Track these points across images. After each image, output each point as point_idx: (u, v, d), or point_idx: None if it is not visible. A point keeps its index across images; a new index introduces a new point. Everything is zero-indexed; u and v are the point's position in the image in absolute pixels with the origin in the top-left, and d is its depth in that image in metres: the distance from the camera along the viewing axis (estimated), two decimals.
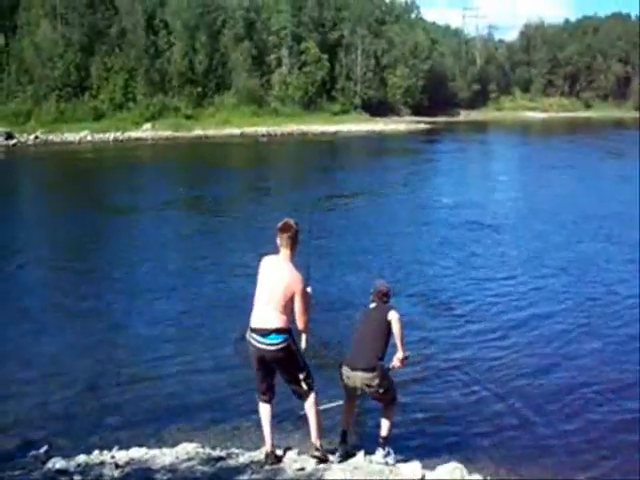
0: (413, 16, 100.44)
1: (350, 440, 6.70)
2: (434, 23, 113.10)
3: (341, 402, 6.80)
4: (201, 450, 6.71)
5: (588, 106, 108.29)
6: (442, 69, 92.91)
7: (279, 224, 6.14)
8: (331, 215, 21.57)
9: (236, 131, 59.54)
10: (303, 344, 6.30)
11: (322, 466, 6.23)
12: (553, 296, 13.00)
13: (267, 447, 6.34)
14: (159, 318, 11.70)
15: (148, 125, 57.44)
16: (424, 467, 6.38)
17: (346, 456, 6.50)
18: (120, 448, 6.86)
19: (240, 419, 7.78)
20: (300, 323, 6.10)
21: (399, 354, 6.51)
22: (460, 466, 6.38)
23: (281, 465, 6.25)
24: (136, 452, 6.73)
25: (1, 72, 57.17)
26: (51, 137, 50.92)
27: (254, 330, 6.02)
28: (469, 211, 22.34)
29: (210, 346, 10.25)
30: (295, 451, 6.55)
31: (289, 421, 7.43)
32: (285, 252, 6.12)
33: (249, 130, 60.12)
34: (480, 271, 14.88)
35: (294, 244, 6.12)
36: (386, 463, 6.51)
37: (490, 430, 7.75)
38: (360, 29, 79.29)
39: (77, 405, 8.33)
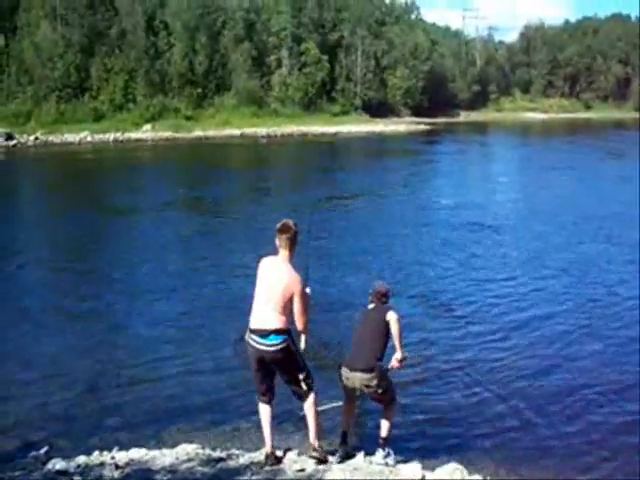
0: (413, 17, 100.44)
1: (350, 441, 6.69)
2: (434, 24, 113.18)
3: (341, 403, 6.80)
4: (201, 451, 6.71)
5: (588, 107, 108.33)
6: (442, 70, 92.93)
7: (278, 225, 6.14)
8: (331, 216, 21.57)
9: (236, 132, 59.57)
10: (302, 344, 6.30)
11: (322, 467, 6.23)
12: (554, 297, 12.99)
13: (267, 448, 6.33)
14: (159, 319, 11.70)
15: (148, 126, 57.47)
16: (424, 468, 6.37)
17: (346, 457, 6.50)
18: (120, 449, 6.86)
19: (240, 420, 7.78)
20: (299, 324, 6.10)
21: (397, 355, 6.51)
22: (460, 467, 6.39)
23: (281, 466, 6.25)
24: (136, 453, 6.72)
25: (1, 73, 57.24)
26: (51, 138, 50.96)
27: (253, 331, 6.02)
28: (469, 212, 22.33)
29: (210, 347, 10.24)
30: (295, 452, 6.55)
31: (289, 422, 7.42)
32: (284, 253, 6.12)
33: (249, 131, 60.16)
34: (481, 272, 14.87)
35: (293, 245, 6.12)
36: (386, 464, 6.51)
37: (491, 431, 7.74)
38: (360, 30, 79.33)
39: (77, 406, 8.32)
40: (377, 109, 77.73)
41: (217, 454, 6.65)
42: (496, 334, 10.89)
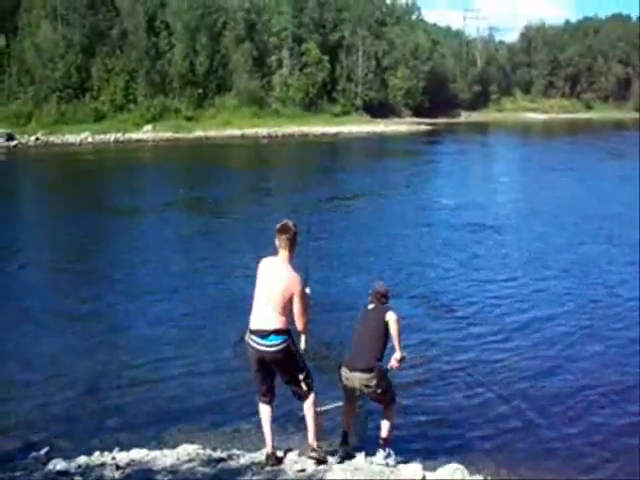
0: (414, 17, 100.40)
1: (351, 441, 6.69)
2: (435, 24, 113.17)
3: (341, 403, 6.81)
4: (202, 451, 6.70)
5: (589, 107, 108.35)
6: (443, 70, 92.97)
7: (277, 226, 6.16)
8: (332, 216, 21.58)
9: (237, 132, 59.60)
10: (302, 345, 6.30)
11: (323, 467, 6.23)
12: (555, 298, 12.98)
13: (268, 448, 6.33)
14: (160, 320, 11.70)
15: (149, 126, 57.50)
16: (425, 468, 6.37)
17: (347, 457, 6.50)
18: (121, 449, 6.85)
19: (241, 421, 7.77)
20: (299, 324, 6.11)
21: (397, 354, 6.52)
22: (461, 467, 6.38)
23: (282, 466, 6.25)
24: (137, 453, 6.72)
25: (2, 73, 57.24)
26: (52, 138, 51.00)
27: (253, 332, 6.03)
28: (470, 212, 22.33)
29: (211, 348, 10.24)
30: (296, 452, 6.55)
31: (290, 423, 7.41)
32: (284, 253, 6.13)
33: (250, 131, 60.18)
34: (482, 273, 14.86)
35: (293, 245, 6.13)
36: (387, 464, 6.51)
37: (492, 432, 7.74)
38: (361, 30, 79.37)
39: (78, 407, 8.32)
40: (378, 109, 77.75)
41: (218, 454, 6.65)
42: (497, 335, 10.89)
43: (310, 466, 6.22)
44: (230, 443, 7.26)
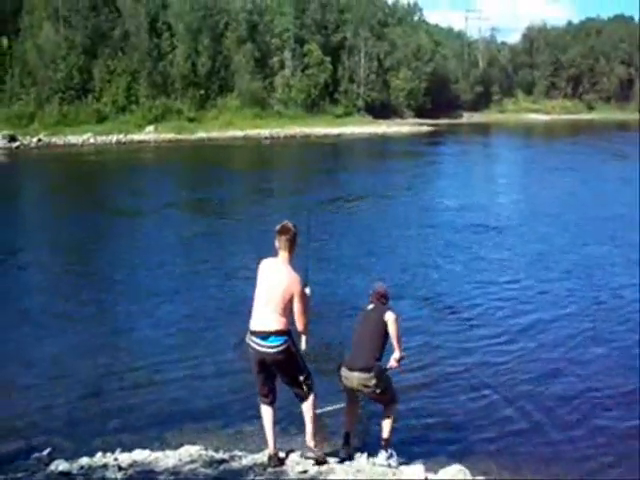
0: (416, 18, 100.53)
1: (353, 442, 6.69)
2: (437, 25, 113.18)
3: (343, 404, 6.81)
4: (204, 452, 6.70)
5: (591, 108, 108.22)
6: (445, 71, 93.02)
7: (277, 227, 6.18)
8: (334, 217, 21.58)
9: (239, 133, 59.62)
10: (303, 345, 6.31)
11: (325, 468, 6.22)
12: (558, 300, 12.95)
13: (270, 449, 6.33)
14: (162, 321, 11.70)
15: (151, 128, 57.54)
16: (427, 470, 6.37)
17: (349, 458, 6.50)
18: (123, 450, 6.85)
19: (243, 422, 7.77)
20: (299, 324, 6.13)
21: (396, 354, 6.57)
22: (463, 469, 6.38)
23: (284, 468, 6.24)
24: (139, 454, 6.71)
25: (4, 75, 57.29)
26: (54, 140, 51.03)
27: (254, 333, 6.03)
28: (473, 214, 22.31)
29: (213, 350, 10.22)
30: (298, 454, 6.53)
31: (292, 424, 7.40)
32: (283, 254, 6.14)
33: (252, 132, 60.18)
34: (485, 274, 14.84)
35: (292, 246, 6.15)
36: (389, 465, 6.51)
37: (495, 434, 7.71)
38: (363, 31, 79.42)
39: (80, 408, 8.32)
40: (380, 110, 77.78)
41: (220, 455, 6.65)
42: (501, 337, 10.86)
43: (312, 467, 6.21)
44: (232, 444, 7.25)
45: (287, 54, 73.31)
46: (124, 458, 6.63)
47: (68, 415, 8.12)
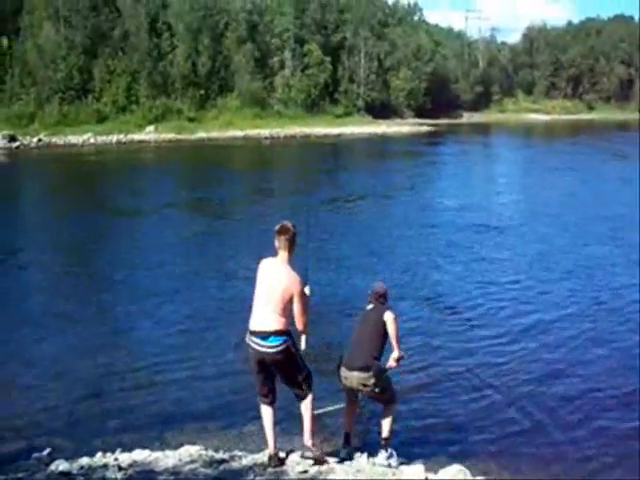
0: (416, 18, 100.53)
1: (353, 442, 6.70)
2: (437, 25, 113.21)
3: (342, 405, 6.82)
4: (204, 452, 6.70)
5: (591, 108, 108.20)
6: (445, 71, 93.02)
7: (277, 227, 6.19)
8: (335, 217, 21.58)
9: (239, 133, 59.61)
10: (303, 345, 6.32)
11: (325, 468, 6.22)
12: (560, 300, 12.93)
13: (270, 449, 6.32)
14: (162, 321, 11.70)
15: (151, 128, 57.53)
16: (427, 470, 6.37)
17: (349, 458, 6.50)
18: (123, 450, 6.85)
19: (243, 422, 7.76)
20: (299, 324, 6.14)
21: (395, 354, 6.58)
22: (464, 469, 6.37)
23: (284, 467, 6.24)
24: (139, 454, 6.71)
25: (4, 75, 57.27)
26: (54, 140, 51.01)
27: (253, 333, 6.03)
28: (473, 214, 22.31)
29: (213, 350, 10.22)
30: (298, 454, 6.53)
31: (292, 424, 7.39)
32: (283, 254, 6.15)
33: (252, 132, 60.16)
34: (486, 275, 14.84)
35: (292, 246, 6.16)
36: (389, 465, 6.51)
37: (496, 435, 7.71)
38: (363, 31, 79.41)
39: (80, 408, 8.31)
40: (380, 110, 77.78)
41: (220, 456, 6.64)
42: (503, 338, 10.85)
43: (312, 467, 6.21)
44: (232, 444, 7.25)
45: (287, 54, 73.31)
46: (124, 458, 6.63)
47: (68, 415, 8.12)
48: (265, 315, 6.00)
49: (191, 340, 10.70)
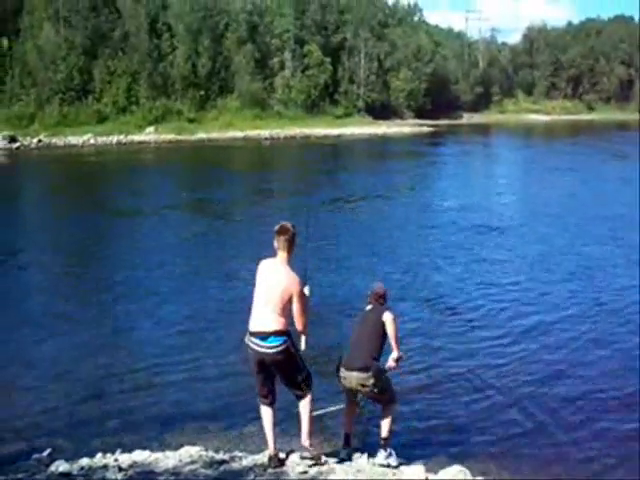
0: (416, 19, 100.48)
1: (353, 443, 6.69)
2: (437, 26, 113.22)
3: (342, 405, 6.81)
4: (204, 453, 6.69)
5: (591, 109, 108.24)
6: (445, 72, 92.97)
7: (276, 227, 6.19)
8: (335, 218, 21.58)
9: (239, 134, 59.59)
10: (302, 345, 6.31)
11: (325, 469, 6.22)
12: (560, 301, 12.92)
13: (270, 450, 6.31)
14: (163, 322, 11.69)
15: (151, 128, 57.54)
16: (428, 470, 6.37)
17: (349, 459, 6.50)
18: (123, 451, 6.85)
19: (243, 423, 7.76)
20: (299, 324, 6.14)
21: (394, 354, 6.60)
22: (464, 469, 6.37)
23: (284, 468, 6.23)
24: (139, 455, 6.71)
25: (4, 75, 57.25)
26: (54, 140, 50.99)
27: (253, 333, 6.03)
28: (474, 214, 22.30)
29: (213, 351, 10.22)
30: (298, 454, 6.52)
31: (292, 425, 7.38)
32: (282, 255, 6.15)
33: (252, 133, 60.14)
34: (487, 276, 14.82)
35: (291, 247, 6.16)
36: (388, 465, 6.51)
37: (497, 436, 7.70)
38: (363, 32, 79.41)
39: (80, 409, 8.31)
40: (380, 111, 77.76)
41: (220, 456, 6.64)
42: (504, 339, 10.84)
43: (312, 468, 6.20)
44: (232, 445, 7.25)
45: (287, 55, 73.31)
46: (124, 459, 6.62)
47: (69, 416, 8.11)
48: (264, 315, 6.00)
49: (191, 341, 10.70)
